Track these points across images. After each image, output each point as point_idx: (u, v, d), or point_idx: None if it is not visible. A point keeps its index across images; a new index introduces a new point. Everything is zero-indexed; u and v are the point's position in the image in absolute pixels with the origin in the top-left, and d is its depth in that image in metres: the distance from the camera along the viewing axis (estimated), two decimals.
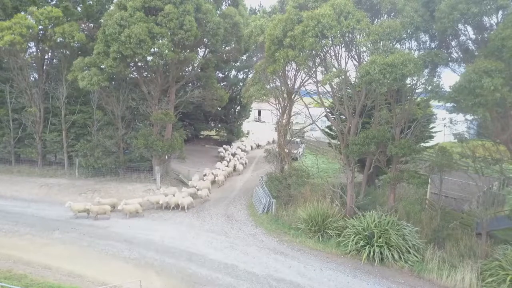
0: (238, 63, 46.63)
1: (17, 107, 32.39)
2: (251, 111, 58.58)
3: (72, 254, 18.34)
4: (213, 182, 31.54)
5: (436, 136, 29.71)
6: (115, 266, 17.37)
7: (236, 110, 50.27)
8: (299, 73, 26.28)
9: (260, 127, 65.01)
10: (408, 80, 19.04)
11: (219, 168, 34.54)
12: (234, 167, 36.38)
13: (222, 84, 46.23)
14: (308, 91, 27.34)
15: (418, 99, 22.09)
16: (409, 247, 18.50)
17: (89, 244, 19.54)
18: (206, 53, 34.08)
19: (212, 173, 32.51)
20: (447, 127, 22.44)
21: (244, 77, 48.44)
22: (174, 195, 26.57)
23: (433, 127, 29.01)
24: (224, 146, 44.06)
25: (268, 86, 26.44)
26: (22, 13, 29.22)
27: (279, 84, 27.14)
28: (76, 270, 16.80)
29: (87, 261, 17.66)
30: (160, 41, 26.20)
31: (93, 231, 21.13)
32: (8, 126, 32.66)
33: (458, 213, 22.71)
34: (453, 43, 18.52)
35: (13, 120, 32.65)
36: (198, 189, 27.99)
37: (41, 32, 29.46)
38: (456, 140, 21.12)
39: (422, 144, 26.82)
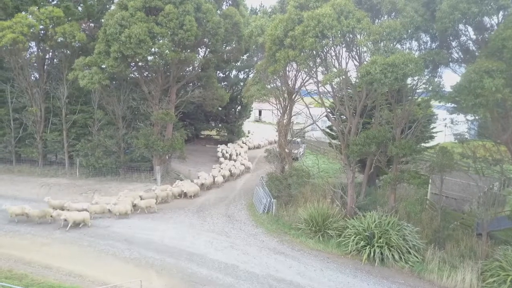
0: (238, 63, 46.58)
1: (18, 106, 32.46)
2: (251, 111, 58.56)
3: (73, 254, 18.33)
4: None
5: (436, 136, 29.70)
6: (115, 266, 17.36)
7: (237, 110, 50.25)
8: (300, 73, 26.28)
9: (259, 127, 64.99)
10: (409, 80, 19.04)
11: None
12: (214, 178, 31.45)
13: (222, 84, 46.24)
14: (308, 91, 27.34)
15: (419, 99, 22.09)
16: (410, 248, 18.49)
17: (89, 243, 19.54)
18: (206, 53, 34.07)
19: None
20: (448, 127, 22.43)
21: (245, 77, 48.40)
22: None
23: (434, 127, 29.00)
24: (221, 146, 43.26)
25: (269, 86, 26.43)
26: (23, 12, 29.27)
27: (279, 84, 27.14)
28: (76, 270, 16.78)
29: (87, 261, 17.65)
30: (161, 41, 26.28)
31: (94, 231, 21.13)
32: (9, 125, 32.70)
33: (459, 213, 22.71)
34: (453, 44, 18.51)
35: (14, 120, 32.69)
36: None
37: (42, 31, 29.49)
38: (456, 141, 21.13)
39: (422, 144, 26.81)
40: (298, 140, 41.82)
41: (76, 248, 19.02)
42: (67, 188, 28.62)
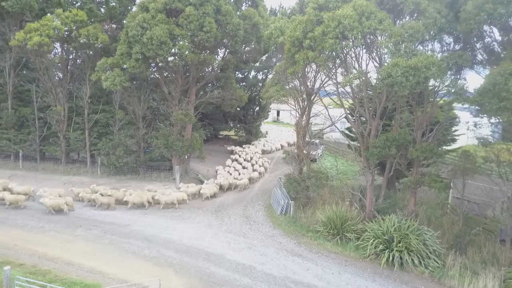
0: (257, 64, 46.68)
1: (42, 106, 33.38)
2: (269, 111, 58.59)
3: (94, 251, 18.72)
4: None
5: (459, 139, 29.08)
6: (135, 264, 17.65)
7: (255, 110, 50.37)
8: (319, 74, 26.17)
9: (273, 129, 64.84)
10: (431, 82, 18.74)
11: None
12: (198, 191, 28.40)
13: (241, 84, 46.40)
14: (327, 92, 27.21)
15: (441, 102, 21.69)
16: (430, 253, 18.19)
17: (110, 241, 19.92)
18: (226, 53, 34.28)
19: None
20: (471, 130, 21.96)
21: (264, 77, 48.51)
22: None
23: (456, 130, 28.40)
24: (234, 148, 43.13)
25: (288, 87, 26.41)
26: (49, 15, 30.09)
27: (298, 84, 27.07)
28: (97, 267, 17.11)
29: (108, 259, 17.99)
30: (181, 43, 26.60)
31: (115, 229, 21.53)
32: (34, 124, 33.69)
33: (481, 218, 22.20)
34: (478, 45, 18.14)
35: (38, 119, 33.65)
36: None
37: (67, 33, 30.20)
38: (479, 144, 20.66)
39: (444, 147, 26.31)
40: (317, 141, 41.63)
41: (97, 246, 19.41)
42: (88, 186, 29.12)
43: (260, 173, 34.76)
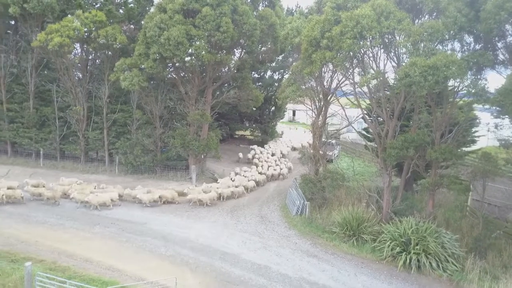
0: (273, 64, 46.68)
1: (62, 105, 34.13)
2: (285, 111, 58.45)
3: (112, 249, 19.00)
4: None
5: (479, 140, 28.48)
6: (151, 262, 17.84)
7: (271, 110, 50.36)
8: (336, 74, 25.99)
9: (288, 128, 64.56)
10: (451, 83, 18.41)
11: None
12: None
13: (257, 84, 46.44)
14: (344, 92, 27.01)
15: (461, 102, 21.27)
16: (448, 256, 17.85)
17: (127, 239, 20.19)
18: (242, 54, 34.36)
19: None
20: (491, 131, 21.51)
21: (280, 77, 48.44)
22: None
23: (476, 131, 27.83)
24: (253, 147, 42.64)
25: (304, 87, 26.30)
26: (69, 16, 30.73)
27: (314, 85, 26.94)
28: (115, 264, 17.35)
29: (125, 256, 18.24)
30: (198, 43, 26.80)
31: (132, 227, 21.83)
32: (54, 123, 34.48)
33: (502, 221, 21.73)
34: (499, 45, 17.74)
35: (59, 118, 34.44)
36: None
37: (86, 34, 30.80)
38: (500, 146, 20.23)
39: (464, 148, 25.81)
40: (333, 141, 41.34)
41: (115, 243, 19.69)
42: (106, 184, 29.62)
43: (258, 182, 32.07)
